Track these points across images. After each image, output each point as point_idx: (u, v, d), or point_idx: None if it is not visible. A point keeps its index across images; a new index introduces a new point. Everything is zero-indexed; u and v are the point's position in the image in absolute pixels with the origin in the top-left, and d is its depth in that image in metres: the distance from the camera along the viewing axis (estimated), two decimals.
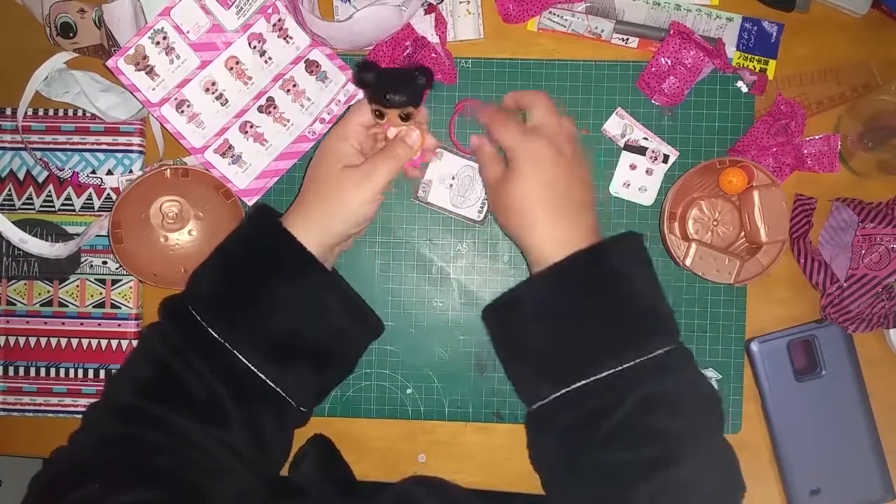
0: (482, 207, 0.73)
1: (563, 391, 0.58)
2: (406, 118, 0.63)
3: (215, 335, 0.58)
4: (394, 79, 0.62)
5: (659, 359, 0.57)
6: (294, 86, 0.72)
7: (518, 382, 0.64)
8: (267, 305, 0.59)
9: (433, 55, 0.70)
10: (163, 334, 0.60)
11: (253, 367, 0.58)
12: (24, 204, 0.74)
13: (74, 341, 0.74)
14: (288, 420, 0.63)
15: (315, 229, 0.62)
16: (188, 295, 0.62)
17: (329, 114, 0.73)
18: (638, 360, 0.56)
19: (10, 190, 0.74)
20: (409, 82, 0.61)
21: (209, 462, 0.57)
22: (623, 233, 0.64)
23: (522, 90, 0.68)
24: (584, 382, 0.57)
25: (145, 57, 0.69)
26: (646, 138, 0.72)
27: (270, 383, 0.59)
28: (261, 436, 0.60)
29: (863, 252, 0.68)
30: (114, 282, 0.74)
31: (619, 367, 0.56)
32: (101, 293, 0.74)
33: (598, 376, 0.56)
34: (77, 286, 0.74)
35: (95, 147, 0.74)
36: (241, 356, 0.58)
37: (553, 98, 0.72)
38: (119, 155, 0.74)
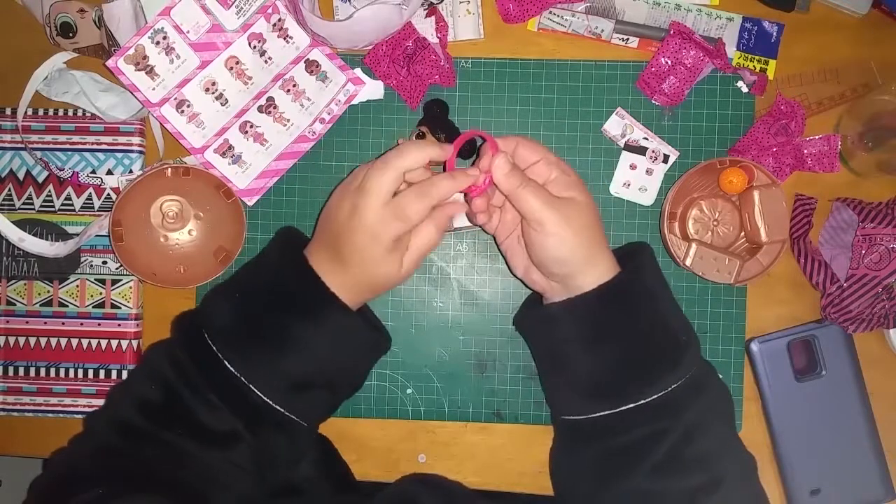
0: None
1: (608, 412, 0.58)
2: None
3: (231, 369, 0.57)
4: (451, 127, 0.72)
5: (694, 376, 0.58)
6: (294, 86, 0.72)
7: (555, 391, 0.65)
8: (289, 346, 0.58)
9: (433, 57, 0.70)
10: (174, 358, 0.59)
11: (269, 401, 0.58)
12: (24, 204, 0.74)
13: (74, 341, 0.74)
14: (298, 438, 0.63)
15: (345, 283, 0.60)
16: (205, 321, 0.60)
17: (329, 114, 0.73)
18: (679, 384, 0.57)
19: (9, 190, 0.74)
20: (457, 135, 0.70)
21: (213, 475, 0.57)
22: (633, 245, 0.65)
23: (504, 138, 0.61)
24: (629, 406, 0.57)
25: (145, 57, 0.69)
26: (646, 138, 0.72)
27: (285, 412, 0.59)
28: (271, 456, 0.60)
29: (863, 252, 0.68)
30: (114, 282, 0.74)
31: (662, 392, 0.57)
32: (101, 293, 0.74)
33: (642, 402, 0.57)
34: (77, 286, 0.74)
35: (95, 147, 0.74)
36: (257, 391, 0.57)
37: (553, 98, 0.73)
38: (119, 155, 0.74)
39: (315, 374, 0.60)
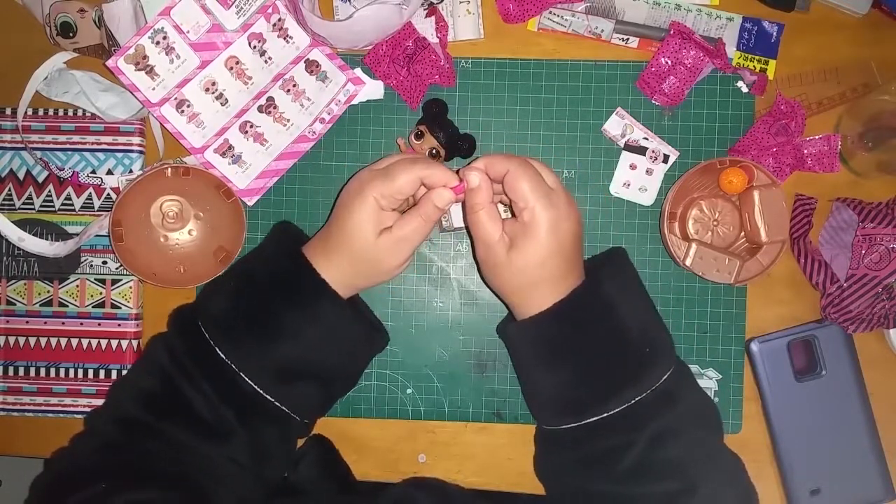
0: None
1: (573, 424, 0.59)
2: (434, 156, 0.70)
3: (223, 356, 0.58)
4: (450, 127, 0.71)
5: (662, 387, 0.58)
6: (294, 86, 0.72)
7: (528, 403, 0.67)
8: (279, 332, 0.59)
9: (433, 57, 0.70)
10: (170, 348, 0.60)
11: (259, 390, 0.58)
12: (24, 204, 0.74)
13: (74, 341, 0.74)
14: (291, 433, 0.63)
15: (341, 274, 0.60)
16: (199, 310, 0.61)
17: (329, 114, 0.73)
18: (643, 396, 0.57)
19: (10, 190, 0.74)
20: (456, 135, 0.71)
21: (212, 469, 0.57)
22: (608, 251, 0.66)
23: (506, 156, 0.59)
24: (590, 420, 0.58)
25: (145, 57, 0.69)
26: (646, 138, 0.72)
27: (276, 403, 0.59)
28: (264, 450, 0.60)
29: (863, 252, 0.68)
30: (114, 282, 0.74)
31: (623, 406, 0.57)
32: (101, 293, 0.74)
33: (603, 415, 0.57)
34: (77, 286, 0.74)
35: (95, 147, 0.74)
36: (247, 379, 0.58)
37: (553, 98, 0.73)
38: (119, 155, 0.74)
39: (306, 363, 0.60)
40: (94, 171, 0.73)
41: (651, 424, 0.57)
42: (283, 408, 0.59)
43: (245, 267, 0.64)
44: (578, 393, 0.58)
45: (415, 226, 0.59)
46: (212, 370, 0.58)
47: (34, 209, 0.74)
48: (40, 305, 0.74)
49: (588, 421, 0.58)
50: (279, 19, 0.71)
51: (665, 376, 0.59)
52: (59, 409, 0.74)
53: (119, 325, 0.74)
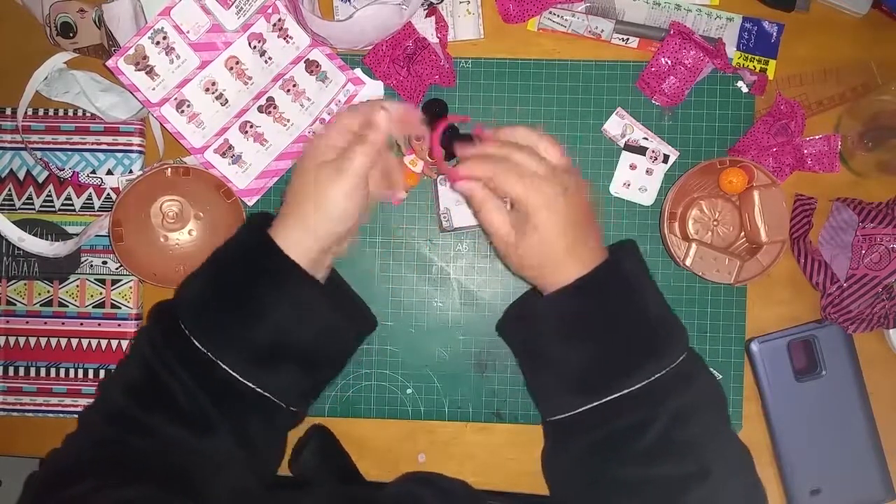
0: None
1: (593, 405, 0.58)
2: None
3: (197, 344, 0.58)
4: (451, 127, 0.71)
5: (680, 366, 0.59)
6: (294, 86, 0.72)
7: (542, 393, 0.65)
8: (249, 313, 0.59)
9: (433, 57, 0.70)
10: (151, 340, 0.60)
11: (235, 374, 0.58)
12: (24, 204, 0.74)
13: (74, 341, 0.74)
14: (277, 421, 0.63)
15: (298, 233, 0.60)
16: (176, 301, 0.61)
17: (329, 114, 0.73)
18: (663, 373, 0.57)
19: (10, 190, 0.74)
20: (456, 135, 0.71)
21: (202, 463, 0.57)
22: (620, 241, 0.66)
23: (509, 127, 0.62)
24: (613, 397, 0.58)
25: (145, 57, 0.69)
26: (646, 138, 0.72)
27: (256, 388, 0.59)
28: (249, 440, 0.60)
29: (863, 252, 0.68)
30: (114, 282, 0.74)
31: (646, 381, 0.57)
32: (101, 293, 0.74)
33: (626, 391, 0.57)
34: (77, 286, 0.74)
35: (95, 147, 0.74)
36: (224, 365, 0.58)
37: (553, 98, 0.73)
38: (119, 155, 0.74)
39: (281, 345, 0.59)
40: (94, 171, 0.73)
41: (671, 402, 0.57)
42: (265, 393, 0.59)
43: (219, 255, 0.64)
44: (603, 367, 0.58)
45: (353, 146, 0.59)
46: (188, 360, 0.58)
47: (34, 209, 0.74)
48: (40, 305, 0.74)
49: (612, 397, 0.58)
50: (279, 19, 0.71)
51: (682, 356, 0.59)
52: (59, 409, 0.74)
53: (119, 325, 0.74)
